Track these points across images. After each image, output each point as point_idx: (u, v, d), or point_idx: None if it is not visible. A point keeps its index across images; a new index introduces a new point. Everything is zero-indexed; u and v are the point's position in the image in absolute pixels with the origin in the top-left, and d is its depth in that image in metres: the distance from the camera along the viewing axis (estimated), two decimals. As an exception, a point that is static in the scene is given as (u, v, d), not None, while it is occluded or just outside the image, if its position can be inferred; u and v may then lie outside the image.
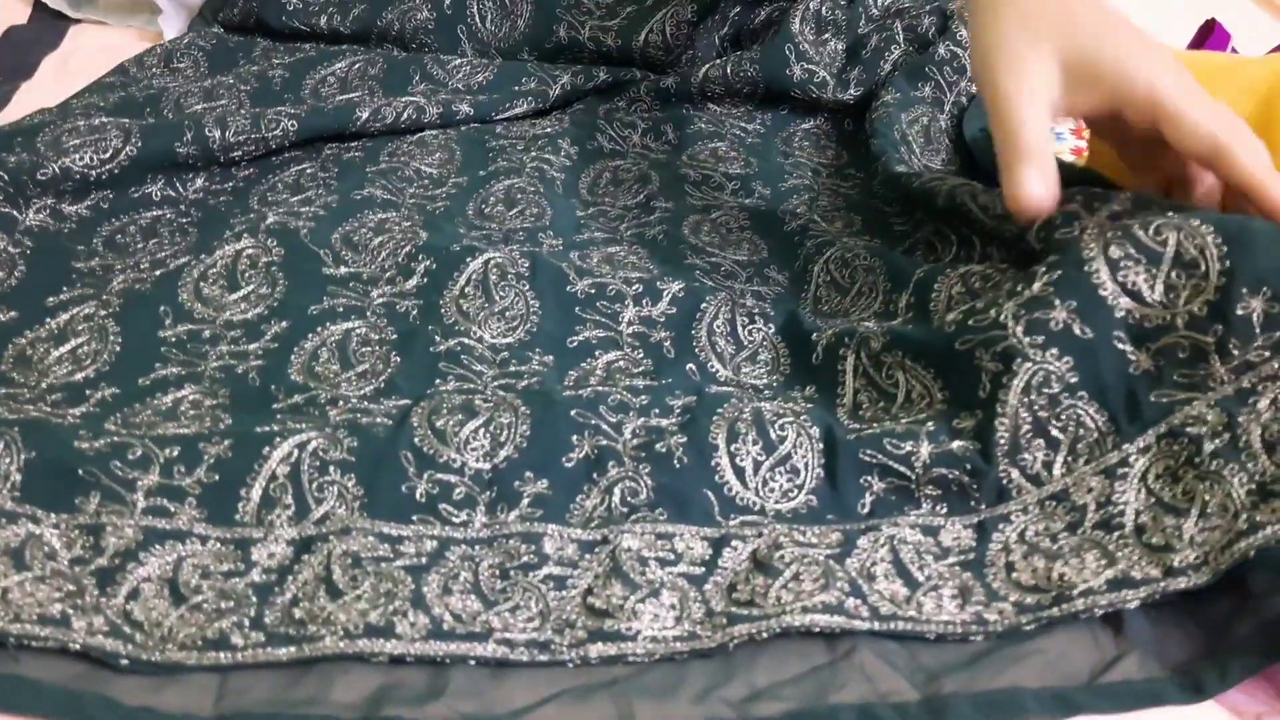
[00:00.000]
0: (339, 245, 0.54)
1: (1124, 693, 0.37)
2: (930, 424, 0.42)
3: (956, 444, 0.42)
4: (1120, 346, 0.41)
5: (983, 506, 0.41)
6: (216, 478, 0.40)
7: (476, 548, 0.40)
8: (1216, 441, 0.39)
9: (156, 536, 0.39)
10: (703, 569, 0.40)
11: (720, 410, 0.43)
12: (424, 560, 0.39)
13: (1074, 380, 0.41)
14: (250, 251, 0.52)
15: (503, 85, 0.72)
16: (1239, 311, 0.40)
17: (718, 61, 0.72)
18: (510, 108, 0.70)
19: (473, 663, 0.37)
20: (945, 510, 0.42)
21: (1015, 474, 0.41)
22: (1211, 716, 0.36)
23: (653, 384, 0.47)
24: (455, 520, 0.40)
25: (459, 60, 0.75)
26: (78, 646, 0.36)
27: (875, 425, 0.43)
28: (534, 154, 0.65)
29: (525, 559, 0.39)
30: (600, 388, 0.45)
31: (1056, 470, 0.41)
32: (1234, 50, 0.75)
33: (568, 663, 0.37)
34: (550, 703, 0.36)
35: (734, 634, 0.37)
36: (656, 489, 0.41)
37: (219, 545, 0.39)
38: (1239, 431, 0.39)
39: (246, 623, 0.37)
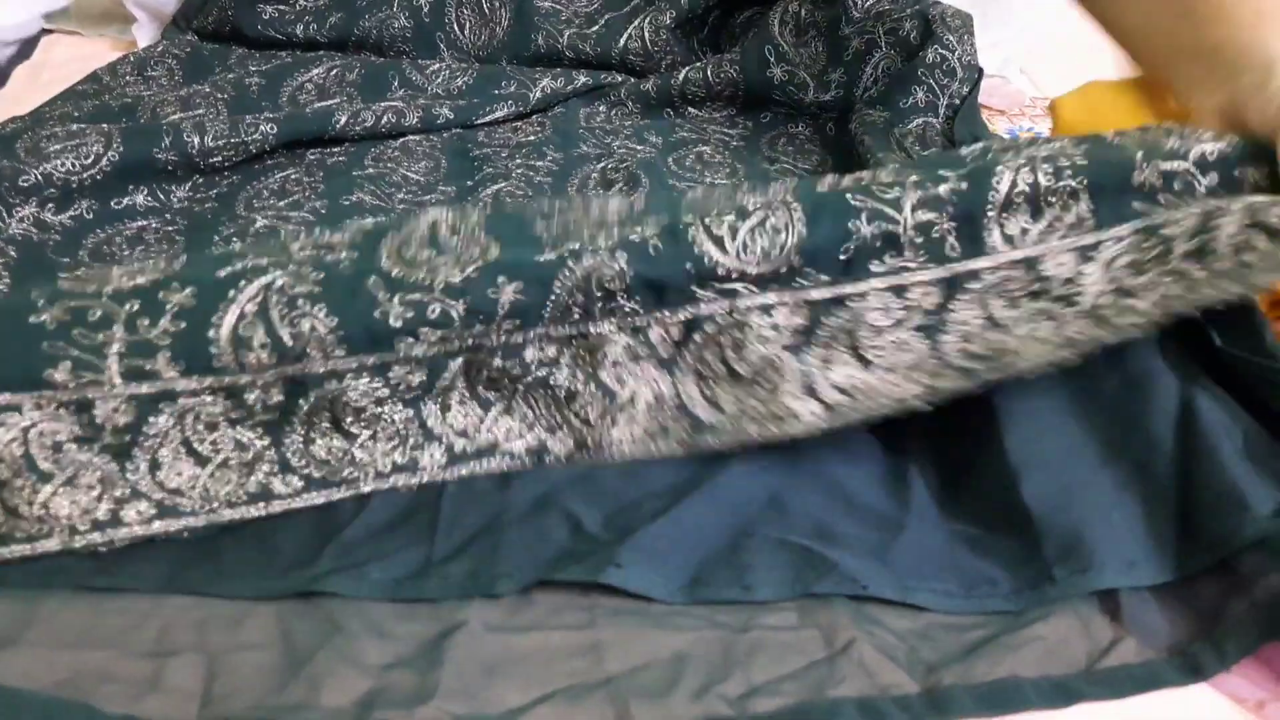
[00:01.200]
0: None
1: (1122, 678, 0.36)
2: (915, 175, 0.43)
3: (944, 188, 0.42)
4: (1131, 152, 0.42)
5: (958, 256, 0.42)
6: (183, 324, 0.39)
7: (462, 357, 0.41)
8: (1187, 244, 0.42)
9: (148, 403, 0.39)
10: (672, 351, 0.42)
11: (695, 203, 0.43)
12: (418, 390, 0.41)
13: (1082, 163, 0.42)
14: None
15: (482, 89, 0.72)
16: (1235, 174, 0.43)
17: (698, 64, 0.72)
18: (490, 111, 0.69)
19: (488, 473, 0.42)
20: (924, 258, 0.42)
21: (996, 233, 0.42)
22: (1213, 703, 0.36)
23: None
24: (433, 338, 0.40)
25: (437, 65, 0.75)
26: (145, 534, 0.38)
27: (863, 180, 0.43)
28: (519, 160, 0.65)
29: (513, 370, 0.41)
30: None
31: (1032, 237, 0.42)
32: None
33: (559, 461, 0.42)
34: (544, 703, 0.35)
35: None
36: (634, 276, 0.40)
37: (210, 395, 0.39)
38: (1209, 237, 0.41)
39: (277, 468, 0.40)
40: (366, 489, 0.41)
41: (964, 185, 0.41)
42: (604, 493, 0.42)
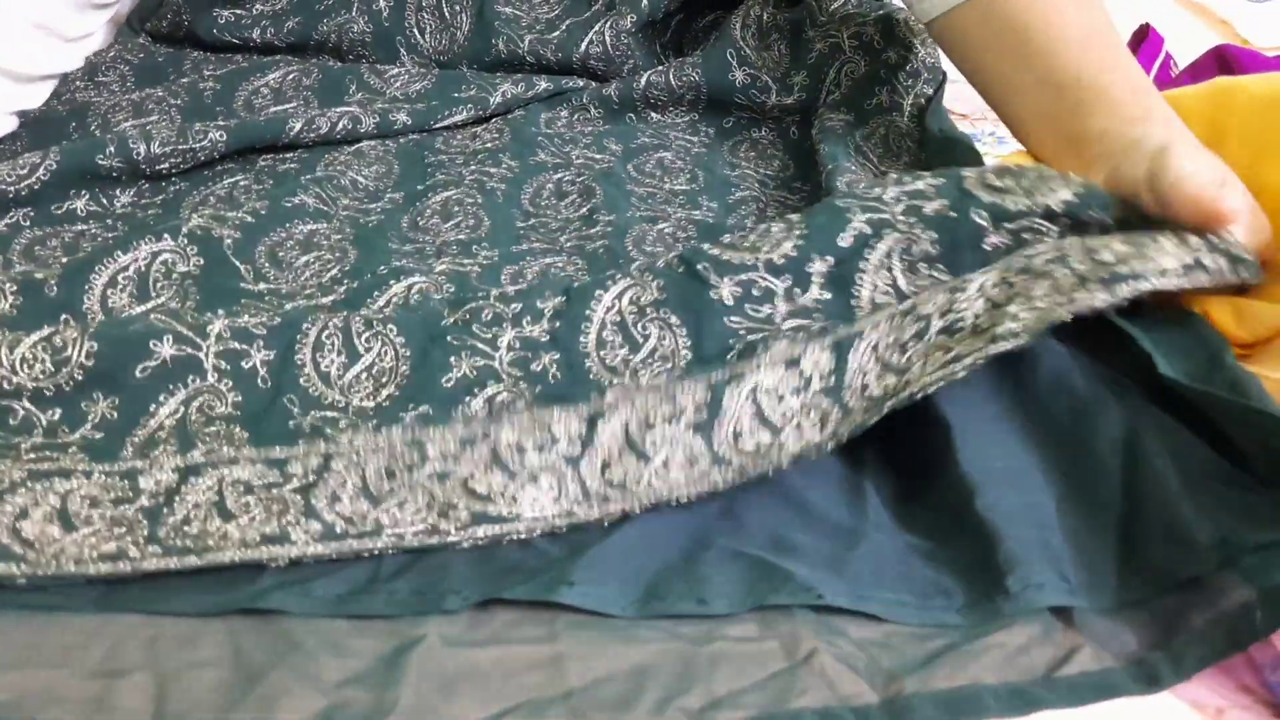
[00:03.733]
0: (262, 260, 0.52)
1: (1080, 686, 0.36)
2: (789, 272, 0.46)
3: (809, 297, 0.45)
4: (979, 221, 0.47)
5: (839, 327, 0.45)
6: (100, 435, 0.42)
7: (361, 454, 0.41)
8: (1047, 255, 0.45)
9: (41, 475, 0.40)
10: (579, 447, 0.42)
11: (589, 314, 0.45)
12: (311, 479, 0.41)
13: (935, 252, 0.47)
14: (167, 256, 0.51)
15: (441, 93, 0.71)
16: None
17: (660, 68, 0.71)
18: (449, 115, 0.69)
19: (367, 555, 0.40)
20: (804, 337, 0.44)
21: (866, 293, 0.46)
22: (1173, 709, 0.36)
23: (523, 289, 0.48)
24: (340, 440, 0.42)
25: (396, 70, 0.74)
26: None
27: (739, 253, 0.46)
28: (474, 167, 0.64)
29: (410, 460, 0.41)
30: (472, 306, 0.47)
31: (906, 291, 0.46)
32: (1168, 54, 0.76)
33: (459, 544, 0.40)
34: (504, 717, 0.35)
35: (610, 510, 0.41)
36: (535, 398, 0.44)
37: (104, 478, 0.41)
38: (1065, 248, 0.45)
39: (141, 540, 0.39)
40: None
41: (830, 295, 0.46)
42: None
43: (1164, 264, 0.44)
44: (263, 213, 0.55)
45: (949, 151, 0.61)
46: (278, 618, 0.38)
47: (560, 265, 0.55)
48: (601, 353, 0.45)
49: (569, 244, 0.58)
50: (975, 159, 0.60)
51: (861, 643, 0.38)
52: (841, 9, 0.73)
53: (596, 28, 0.74)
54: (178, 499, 0.40)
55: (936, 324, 0.44)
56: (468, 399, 0.43)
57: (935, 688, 0.36)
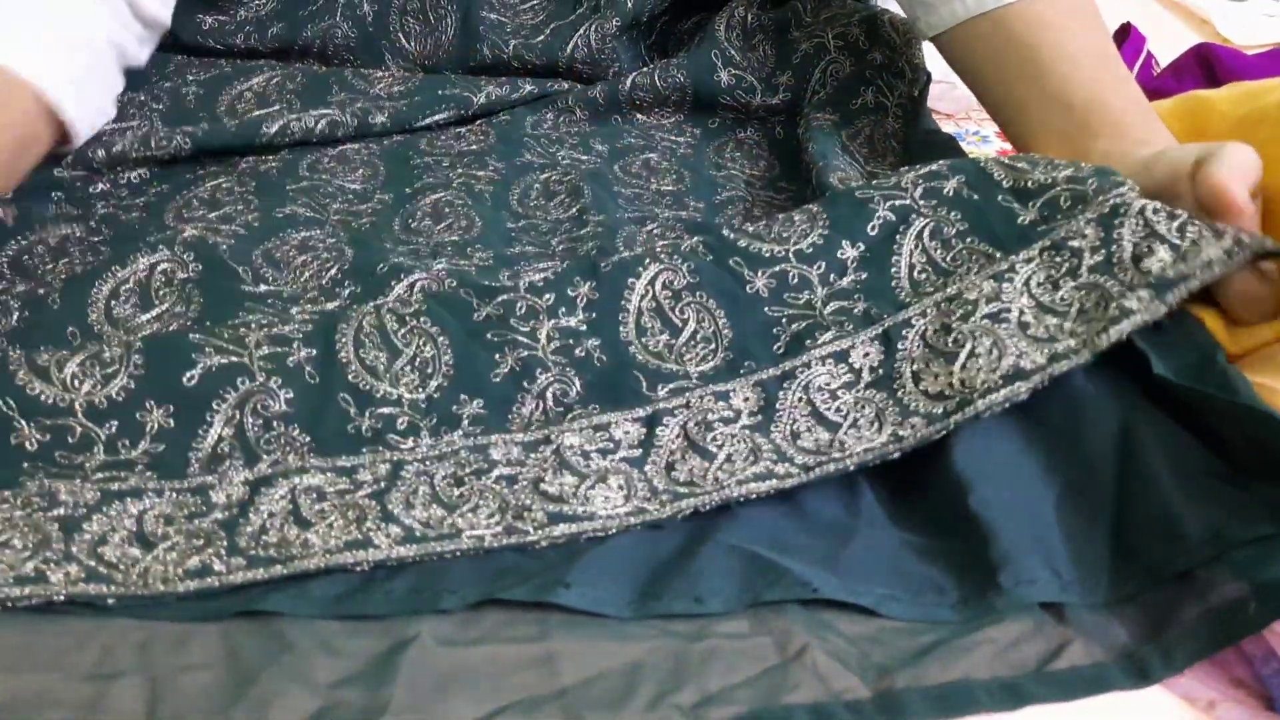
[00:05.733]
0: (260, 262, 0.52)
1: (1071, 680, 0.37)
2: (821, 259, 0.47)
3: (848, 279, 0.47)
4: (1006, 204, 0.48)
5: (885, 317, 0.46)
6: (162, 447, 0.42)
7: (428, 463, 0.42)
8: (1094, 257, 0.45)
9: (113, 496, 0.41)
10: (640, 450, 0.43)
11: (625, 305, 0.46)
12: (382, 485, 0.42)
13: (964, 228, 0.48)
14: (165, 266, 0.51)
15: (424, 93, 0.71)
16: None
17: (645, 69, 0.71)
18: (431, 114, 0.68)
19: (450, 556, 0.40)
20: (852, 328, 0.46)
21: (907, 286, 0.47)
22: (1163, 704, 0.36)
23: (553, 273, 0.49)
24: (404, 446, 0.43)
25: (381, 74, 0.74)
26: (63, 597, 0.37)
27: (766, 244, 0.48)
28: (460, 170, 0.64)
29: (476, 466, 0.42)
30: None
31: (944, 265, 0.47)
32: (1150, 54, 0.77)
33: (538, 543, 0.40)
34: (497, 717, 0.35)
35: (681, 507, 0.41)
36: (585, 385, 0.45)
37: (175, 495, 0.41)
38: (1112, 246, 0.45)
39: (223, 551, 0.39)
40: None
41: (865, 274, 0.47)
42: None
43: (1209, 254, 0.45)
44: (256, 225, 0.55)
45: (934, 151, 0.61)
46: (270, 619, 0.38)
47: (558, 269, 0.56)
48: (643, 340, 0.46)
49: (561, 247, 0.58)
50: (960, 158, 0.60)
51: (853, 638, 0.38)
52: (826, 10, 0.73)
53: (581, 31, 0.74)
54: (252, 510, 0.40)
55: (984, 309, 0.45)
56: (519, 396, 0.44)
57: (927, 682, 0.36)
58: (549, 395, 0.45)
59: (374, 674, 0.36)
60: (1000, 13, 0.59)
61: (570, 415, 0.44)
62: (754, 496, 0.42)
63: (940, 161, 0.50)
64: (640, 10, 0.74)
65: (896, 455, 0.42)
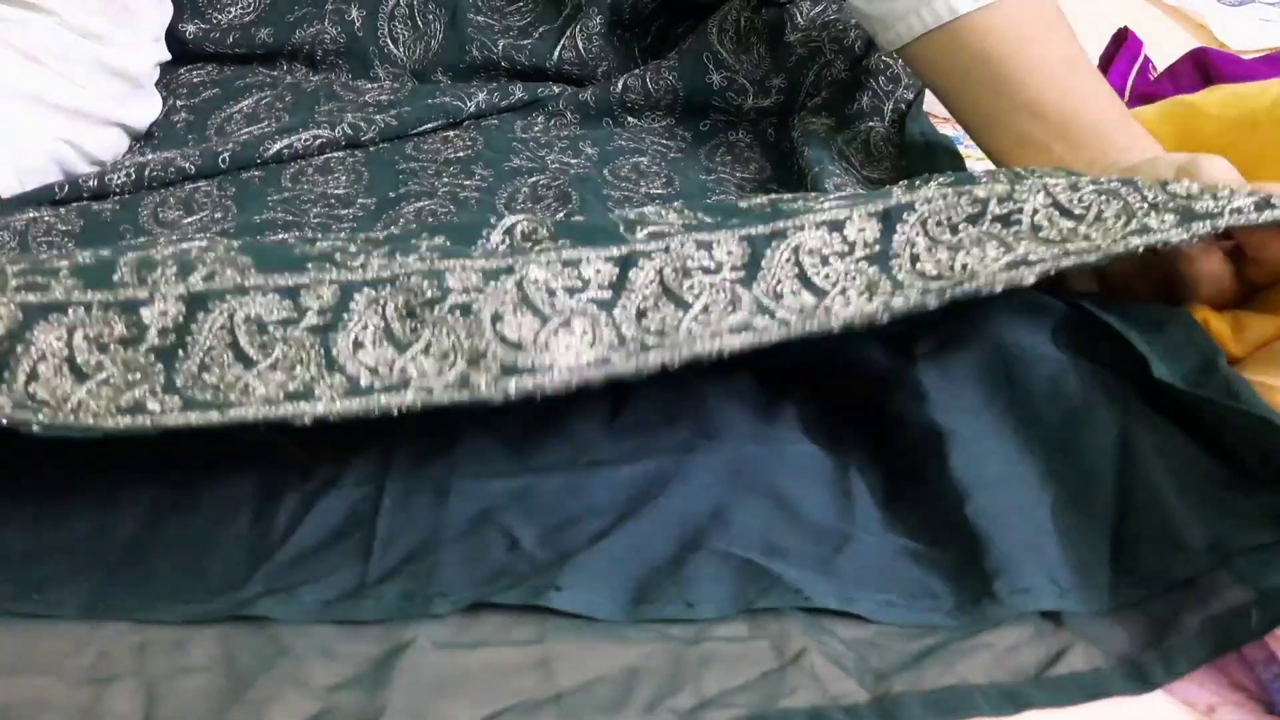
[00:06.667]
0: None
1: (1070, 685, 0.37)
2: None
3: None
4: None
5: (888, 199, 0.43)
6: (89, 259, 0.39)
7: (379, 289, 0.38)
8: (1119, 181, 0.44)
9: (37, 312, 0.37)
10: (610, 292, 0.39)
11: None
12: (329, 317, 0.38)
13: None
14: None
15: (414, 103, 0.70)
16: None
17: (636, 71, 0.71)
18: (421, 124, 0.68)
19: (397, 412, 0.37)
20: (850, 203, 0.43)
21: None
22: (1164, 709, 0.37)
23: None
24: (353, 264, 0.39)
25: (370, 85, 0.73)
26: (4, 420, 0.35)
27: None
28: (446, 179, 0.64)
29: (430, 294, 0.38)
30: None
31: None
32: (1147, 58, 0.77)
33: (491, 399, 0.37)
34: (494, 720, 0.35)
35: (649, 360, 0.38)
36: (558, 225, 0.41)
37: (103, 311, 0.37)
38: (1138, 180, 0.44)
39: (159, 388, 0.36)
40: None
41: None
42: (544, 508, 0.42)
43: (1237, 202, 0.44)
44: (231, 234, 0.55)
45: (931, 156, 0.62)
46: (267, 623, 0.38)
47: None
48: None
49: None
50: (958, 163, 0.60)
51: (851, 642, 0.38)
52: (822, 15, 0.73)
53: (568, 32, 0.73)
54: (190, 338, 0.37)
55: (994, 209, 0.43)
56: (486, 231, 0.41)
57: (924, 687, 0.36)
58: (518, 230, 0.41)
59: (371, 678, 0.36)
60: (955, 24, 0.58)
61: (538, 247, 0.40)
62: (727, 353, 0.39)
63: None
64: (621, 6, 0.73)
65: (886, 320, 0.40)
